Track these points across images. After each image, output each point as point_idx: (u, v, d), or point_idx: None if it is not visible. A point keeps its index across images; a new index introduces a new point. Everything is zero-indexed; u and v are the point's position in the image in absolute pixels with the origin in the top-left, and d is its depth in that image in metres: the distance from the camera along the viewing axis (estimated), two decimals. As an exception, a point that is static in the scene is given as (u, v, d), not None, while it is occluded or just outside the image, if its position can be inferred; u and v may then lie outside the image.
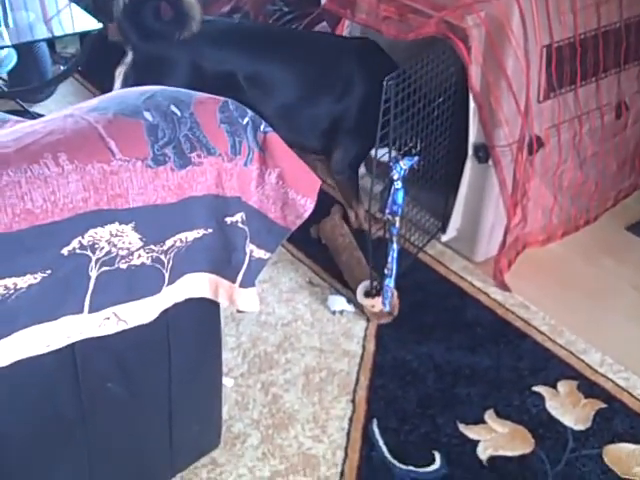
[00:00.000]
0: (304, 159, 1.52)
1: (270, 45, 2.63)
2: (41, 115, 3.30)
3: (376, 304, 2.35)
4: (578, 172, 2.71)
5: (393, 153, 2.24)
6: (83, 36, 3.39)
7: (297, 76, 2.58)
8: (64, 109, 1.35)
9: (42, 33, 3.36)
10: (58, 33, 3.39)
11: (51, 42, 3.77)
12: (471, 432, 2.05)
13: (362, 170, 2.98)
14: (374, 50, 2.64)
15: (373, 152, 2.24)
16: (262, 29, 2.93)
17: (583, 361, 2.27)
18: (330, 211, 2.75)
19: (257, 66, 2.53)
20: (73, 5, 3.44)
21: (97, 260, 1.26)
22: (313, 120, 2.62)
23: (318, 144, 2.68)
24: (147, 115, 1.30)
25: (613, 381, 2.21)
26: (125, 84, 2.45)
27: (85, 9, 3.43)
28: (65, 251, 1.21)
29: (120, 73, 2.47)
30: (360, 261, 2.51)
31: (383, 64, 2.56)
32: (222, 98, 1.42)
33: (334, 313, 2.43)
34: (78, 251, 1.23)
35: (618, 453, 2.00)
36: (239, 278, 1.49)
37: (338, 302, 2.45)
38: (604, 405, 2.13)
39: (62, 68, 3.80)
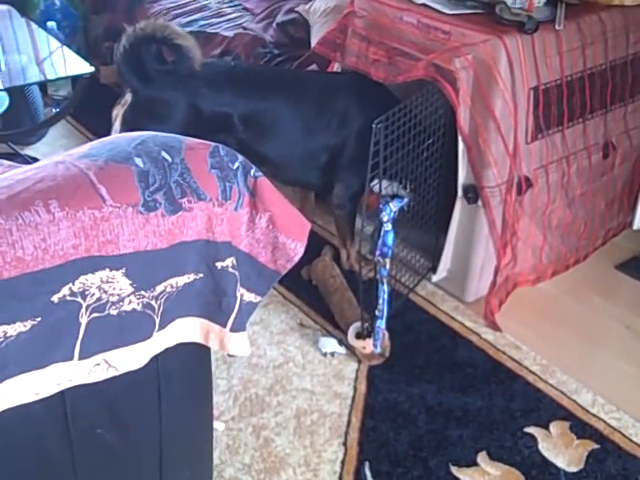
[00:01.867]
0: (296, 203, 1.53)
1: (264, 85, 2.65)
2: (33, 158, 3.32)
3: (367, 346, 2.35)
4: (567, 211, 2.73)
5: (384, 191, 2.25)
6: (75, 79, 3.42)
7: (293, 114, 2.60)
8: (55, 154, 1.35)
9: (34, 76, 3.38)
10: (50, 76, 3.42)
11: (43, 85, 3.79)
12: (464, 475, 2.04)
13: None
14: (368, 81, 2.65)
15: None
16: (257, 70, 2.95)
17: (575, 401, 2.27)
18: (321, 252, 2.75)
19: (252, 106, 2.56)
20: (65, 48, 3.47)
21: (87, 307, 1.26)
22: (311, 156, 2.63)
23: (317, 181, 2.70)
24: (138, 161, 1.31)
25: (605, 421, 2.20)
26: (124, 125, 2.47)
27: (77, 52, 3.47)
28: (55, 298, 1.21)
29: (118, 114, 2.50)
30: (351, 302, 2.51)
31: (378, 94, 2.60)
32: (212, 143, 1.43)
33: (325, 355, 2.42)
34: (68, 298, 1.22)
35: (612, 495, 2.00)
36: (230, 322, 1.48)
37: (329, 344, 2.45)
38: (597, 446, 2.13)
39: (54, 111, 3.83)
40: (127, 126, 2.46)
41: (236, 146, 2.38)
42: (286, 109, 2.60)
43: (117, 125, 2.51)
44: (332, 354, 2.42)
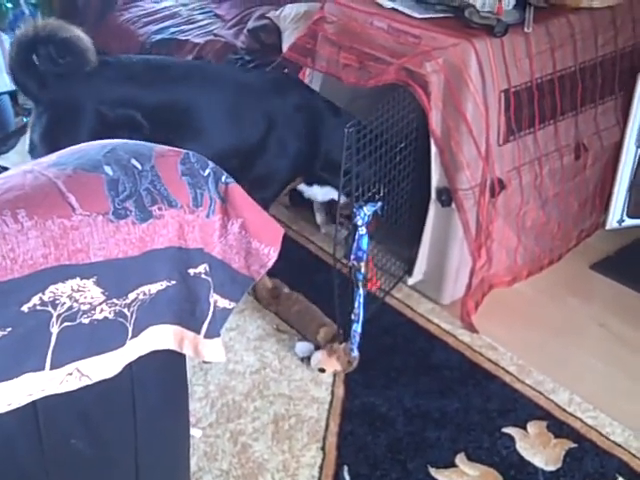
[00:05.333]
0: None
1: (169, 79, 2.50)
2: (4, 167, 3.28)
3: (328, 366, 2.36)
4: (540, 212, 2.75)
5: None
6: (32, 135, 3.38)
7: (200, 111, 2.48)
8: (24, 164, 1.34)
9: (4, 85, 3.36)
10: (21, 85, 3.38)
11: (13, 94, 3.77)
12: (442, 476, 2.04)
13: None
14: (288, 81, 2.63)
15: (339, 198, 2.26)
16: (164, 63, 2.72)
17: (552, 401, 2.29)
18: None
19: (155, 102, 2.43)
20: (36, 57, 3.44)
21: (58, 316, 1.25)
22: (221, 160, 2.55)
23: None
24: (107, 169, 1.30)
25: (582, 420, 2.22)
26: (33, 137, 2.38)
27: (48, 61, 3.44)
28: (25, 308, 1.20)
29: (29, 126, 2.40)
30: (308, 308, 2.51)
31: (299, 96, 2.58)
32: (183, 150, 1.42)
33: (302, 360, 2.42)
34: (39, 307, 1.21)
35: (589, 493, 2.01)
36: (204, 329, 1.48)
37: (306, 348, 2.44)
38: (574, 445, 2.14)
39: (25, 120, 3.80)
40: (40, 138, 2.36)
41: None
42: (193, 106, 2.47)
43: (27, 141, 2.42)
44: (309, 358, 2.41)
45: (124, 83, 2.41)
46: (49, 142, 2.34)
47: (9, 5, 4.07)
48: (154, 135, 2.30)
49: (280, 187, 2.62)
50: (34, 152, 2.39)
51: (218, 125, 2.50)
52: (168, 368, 1.59)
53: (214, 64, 3.00)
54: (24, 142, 3.70)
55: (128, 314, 1.35)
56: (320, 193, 2.74)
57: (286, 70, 2.83)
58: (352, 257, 2.24)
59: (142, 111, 2.40)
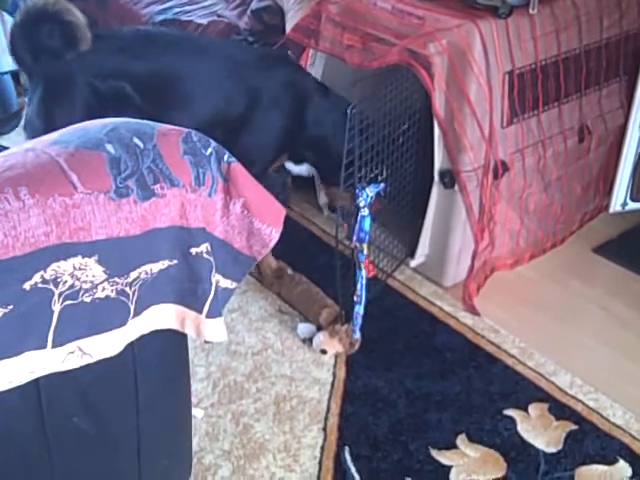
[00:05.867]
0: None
1: (158, 50, 2.52)
2: (5, 148, 3.28)
3: (329, 348, 2.36)
4: (543, 195, 2.74)
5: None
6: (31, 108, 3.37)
7: (188, 81, 2.50)
8: (26, 142, 1.34)
9: (7, 65, 3.35)
10: (23, 66, 3.38)
11: (16, 74, 3.76)
12: (443, 457, 2.05)
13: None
14: (277, 57, 2.62)
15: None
16: (153, 34, 2.74)
17: (553, 383, 2.29)
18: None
19: (144, 73, 2.44)
20: (38, 38, 3.42)
21: (60, 294, 1.25)
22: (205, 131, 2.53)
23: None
24: (109, 148, 1.30)
25: (583, 402, 2.22)
26: (27, 111, 2.42)
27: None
28: (27, 286, 1.20)
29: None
30: (311, 289, 2.52)
31: (286, 71, 2.58)
32: (185, 129, 1.42)
33: (304, 341, 2.42)
34: (40, 285, 1.21)
35: (590, 475, 2.01)
36: (205, 308, 1.48)
37: (307, 330, 2.45)
38: (575, 427, 2.14)
39: (27, 100, 3.78)
40: (35, 112, 2.39)
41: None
42: (179, 74, 2.49)
43: (25, 111, 2.46)
44: (310, 340, 2.41)
45: (114, 55, 2.43)
46: (43, 116, 2.38)
47: (12, -14, 4.06)
48: (144, 106, 2.38)
49: (266, 163, 2.60)
50: (28, 127, 2.43)
51: (203, 94, 2.50)
52: (170, 348, 1.59)
53: (205, 37, 2.97)
54: (26, 122, 3.72)
55: (130, 293, 1.36)
56: (305, 169, 2.75)
57: (289, 51, 2.81)
58: (354, 238, 2.23)
59: (132, 82, 2.42)
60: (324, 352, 2.35)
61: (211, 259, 1.44)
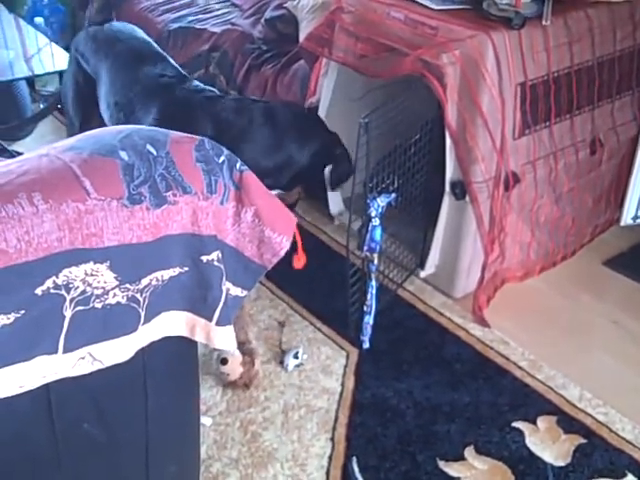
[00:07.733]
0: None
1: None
2: (20, 154, 3.30)
3: (232, 372, 2.26)
4: (554, 207, 2.73)
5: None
6: (62, 74, 3.40)
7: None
8: (40, 148, 1.35)
9: (22, 71, 3.38)
10: (38, 71, 3.42)
11: (31, 80, 3.78)
12: (451, 469, 2.04)
13: (341, 207, 3.01)
14: None
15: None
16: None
17: (562, 396, 2.28)
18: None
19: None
20: (53, 44, 3.46)
21: (72, 300, 1.25)
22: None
23: None
24: (123, 154, 1.30)
25: (592, 416, 2.21)
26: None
27: (65, 48, 3.45)
28: (39, 291, 1.20)
29: None
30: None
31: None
32: (198, 137, 1.42)
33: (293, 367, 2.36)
34: (52, 291, 1.22)
35: (598, 489, 2.00)
36: (215, 316, 1.48)
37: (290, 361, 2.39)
38: (584, 440, 2.13)
39: (41, 106, 3.82)
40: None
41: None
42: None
43: None
44: (298, 366, 2.37)
45: (88, 44, 2.66)
46: None
47: (28, -8, 4.09)
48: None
49: None
50: None
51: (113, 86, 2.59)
52: (179, 354, 1.59)
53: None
54: (41, 128, 3.75)
55: (141, 299, 1.36)
56: None
57: (302, 60, 2.81)
58: (365, 248, 2.23)
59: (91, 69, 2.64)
60: (224, 361, 2.25)
61: (222, 267, 1.44)
